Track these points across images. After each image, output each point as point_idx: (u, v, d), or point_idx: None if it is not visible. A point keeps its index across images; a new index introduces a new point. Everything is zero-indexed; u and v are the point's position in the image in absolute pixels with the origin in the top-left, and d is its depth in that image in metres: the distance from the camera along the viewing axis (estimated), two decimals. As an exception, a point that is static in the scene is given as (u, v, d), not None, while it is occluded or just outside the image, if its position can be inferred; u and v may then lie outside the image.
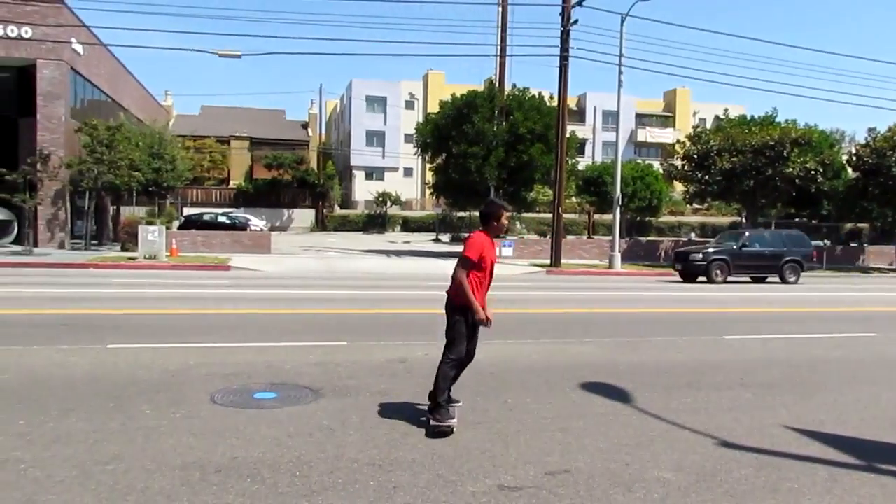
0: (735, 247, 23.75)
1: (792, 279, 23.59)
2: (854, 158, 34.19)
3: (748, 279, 24.45)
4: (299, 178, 56.13)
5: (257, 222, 41.12)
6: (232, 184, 58.20)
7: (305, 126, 66.59)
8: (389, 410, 6.15)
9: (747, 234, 25.05)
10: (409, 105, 65.08)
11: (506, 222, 5.74)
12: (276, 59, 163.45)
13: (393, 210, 57.18)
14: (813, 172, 29.84)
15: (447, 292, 5.73)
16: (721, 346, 10.31)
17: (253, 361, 7.92)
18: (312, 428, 5.59)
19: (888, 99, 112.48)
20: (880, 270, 33.27)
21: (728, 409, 6.60)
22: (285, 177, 56.42)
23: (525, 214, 46.84)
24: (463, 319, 5.56)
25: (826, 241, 41.60)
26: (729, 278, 23.30)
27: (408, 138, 52.66)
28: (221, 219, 38.04)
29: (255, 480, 4.47)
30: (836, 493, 4.60)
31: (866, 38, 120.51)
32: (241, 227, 36.70)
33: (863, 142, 34.52)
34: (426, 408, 5.78)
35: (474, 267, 5.57)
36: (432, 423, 5.51)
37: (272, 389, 6.73)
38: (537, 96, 31.11)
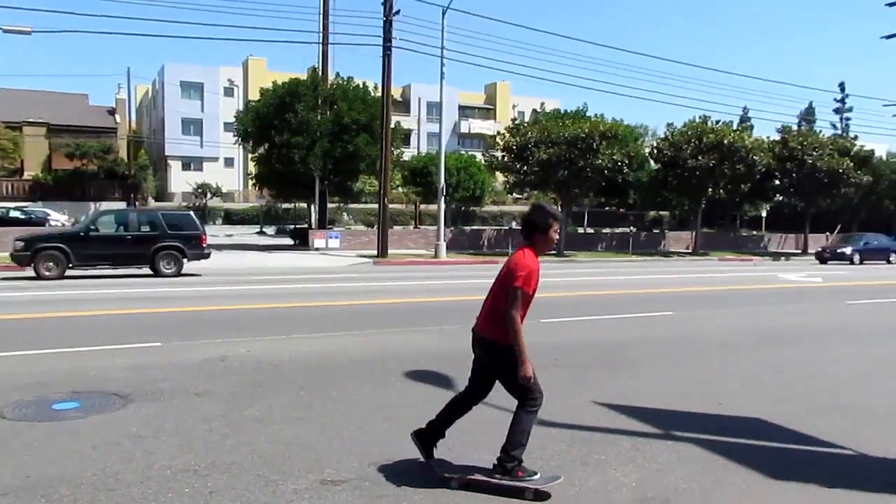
0: (80, 230, 18.66)
1: (169, 269, 18.39)
2: (655, 151, 37.29)
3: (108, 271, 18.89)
4: (107, 169, 52.08)
5: (58, 217, 37.79)
6: (27, 175, 52.82)
7: (112, 112, 61.66)
8: (207, 412, 5.85)
9: (106, 216, 19.68)
10: (229, 92, 62.34)
11: (556, 236, 4.43)
12: (78, 39, 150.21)
13: (214, 202, 54.75)
14: (620, 164, 32.10)
15: (477, 330, 4.54)
16: (537, 328, 10.83)
17: (51, 369, 7.21)
18: (120, 437, 5.19)
19: (685, 97, 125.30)
20: (679, 254, 36.56)
21: (545, 388, 6.91)
22: (90, 167, 52.10)
23: (352, 205, 46.68)
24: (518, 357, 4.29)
25: (632, 227, 45.26)
26: (77, 272, 17.96)
27: (228, 127, 50.46)
28: (14, 213, 34.55)
29: (51, 499, 4.08)
30: (638, 461, 4.98)
31: (667, 38, 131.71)
32: (38, 222, 33.47)
33: (662, 136, 37.69)
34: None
35: (528, 302, 4.37)
36: (527, 485, 4.33)
37: (74, 398, 6.18)
38: (362, 86, 30.98)
